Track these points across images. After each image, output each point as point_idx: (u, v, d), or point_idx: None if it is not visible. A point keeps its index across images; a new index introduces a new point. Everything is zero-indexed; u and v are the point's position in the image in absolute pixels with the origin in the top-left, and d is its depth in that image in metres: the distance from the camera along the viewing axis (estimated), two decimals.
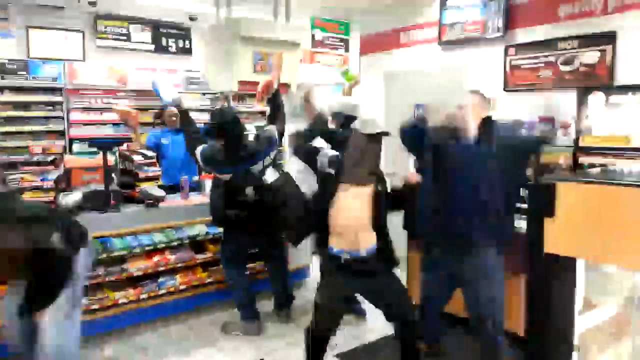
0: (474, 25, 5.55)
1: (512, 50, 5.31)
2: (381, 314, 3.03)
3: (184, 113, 3.98)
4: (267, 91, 4.15)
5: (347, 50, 7.07)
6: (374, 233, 2.81)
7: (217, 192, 3.80)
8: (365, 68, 6.98)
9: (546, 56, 4.98)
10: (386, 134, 2.88)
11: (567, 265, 1.26)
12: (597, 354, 1.35)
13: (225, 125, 3.62)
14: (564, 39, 4.80)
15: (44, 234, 2.49)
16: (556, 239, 1.20)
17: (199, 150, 3.70)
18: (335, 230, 2.83)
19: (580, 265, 1.21)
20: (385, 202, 2.98)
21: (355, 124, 3.01)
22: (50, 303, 2.60)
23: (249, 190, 3.71)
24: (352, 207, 2.81)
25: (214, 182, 3.92)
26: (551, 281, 1.25)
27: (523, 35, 5.22)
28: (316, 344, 2.99)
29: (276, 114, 4.06)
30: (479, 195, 2.90)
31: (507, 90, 5.36)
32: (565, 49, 4.82)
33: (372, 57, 6.91)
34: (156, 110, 5.67)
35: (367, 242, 2.79)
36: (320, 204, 2.97)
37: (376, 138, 2.87)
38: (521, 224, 3.22)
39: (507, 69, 5.34)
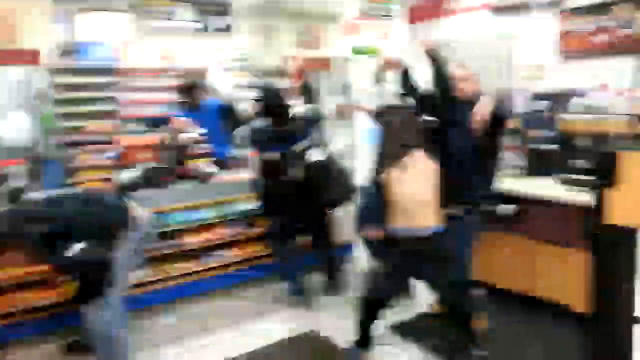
0: None
1: (565, 15, 5.09)
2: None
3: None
4: (301, 75, 4.21)
5: (391, 20, 6.92)
6: (438, 211, 2.78)
7: (261, 171, 3.87)
8: (412, 38, 6.83)
9: (601, 20, 4.75)
10: (400, 107, 2.85)
11: (628, 236, 1.23)
12: None
13: (271, 103, 3.67)
14: (621, 2, 4.56)
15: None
16: (617, 209, 1.17)
17: (244, 129, 3.76)
18: (397, 207, 2.81)
19: None
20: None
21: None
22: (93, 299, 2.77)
23: (292, 170, 3.76)
24: (410, 184, 2.78)
25: (258, 160, 3.98)
26: (612, 254, 1.22)
27: None
28: (369, 311, 3.02)
29: (307, 94, 4.08)
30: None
31: (559, 57, 5.16)
32: (622, 13, 4.57)
33: (419, 26, 6.76)
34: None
35: (431, 220, 2.77)
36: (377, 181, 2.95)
37: (396, 112, 2.85)
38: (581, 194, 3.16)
39: (560, 35, 5.13)
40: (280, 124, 3.71)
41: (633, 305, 1.21)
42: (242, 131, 3.73)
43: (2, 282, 3.23)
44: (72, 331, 3.26)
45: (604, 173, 1.16)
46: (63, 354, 3.26)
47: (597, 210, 1.19)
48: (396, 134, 2.86)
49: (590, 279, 1.26)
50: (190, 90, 4.79)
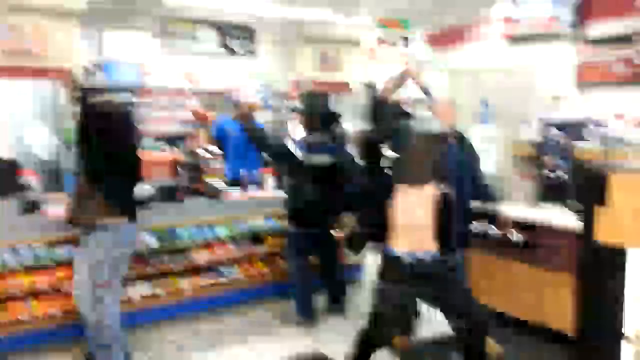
0: (543, 20, 5.35)
1: (584, 45, 5.07)
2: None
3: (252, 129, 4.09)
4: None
5: (407, 46, 7.01)
6: (436, 236, 2.75)
7: (292, 185, 3.93)
8: (428, 65, 6.88)
9: (621, 51, 4.72)
10: (444, 137, 2.82)
11: (617, 256, 1.22)
12: None
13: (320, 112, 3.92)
14: None
15: None
16: (607, 228, 1.16)
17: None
18: (395, 230, 2.79)
19: (633, 257, 1.16)
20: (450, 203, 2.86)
21: (413, 123, 2.96)
22: None
23: (314, 188, 3.82)
24: (413, 208, 2.76)
25: (288, 175, 4.02)
26: (601, 272, 1.20)
27: (595, 30, 4.97)
28: (366, 346, 2.96)
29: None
30: None
31: (578, 88, 5.13)
32: None
33: (435, 54, 6.81)
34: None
35: (430, 244, 2.74)
36: (379, 203, 2.94)
37: (436, 138, 2.83)
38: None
39: (579, 65, 5.11)
40: (326, 133, 3.89)
41: (621, 323, 1.19)
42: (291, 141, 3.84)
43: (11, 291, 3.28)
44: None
45: (594, 193, 1.15)
46: None
47: (586, 231, 1.18)
48: (416, 159, 2.84)
49: (577, 299, 1.24)
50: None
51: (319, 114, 3.98)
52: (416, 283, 2.77)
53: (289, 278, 4.10)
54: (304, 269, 4.04)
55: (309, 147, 3.86)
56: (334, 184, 3.86)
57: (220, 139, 4.96)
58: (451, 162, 3.12)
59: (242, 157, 4.85)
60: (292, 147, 3.87)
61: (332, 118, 4.05)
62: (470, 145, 3.37)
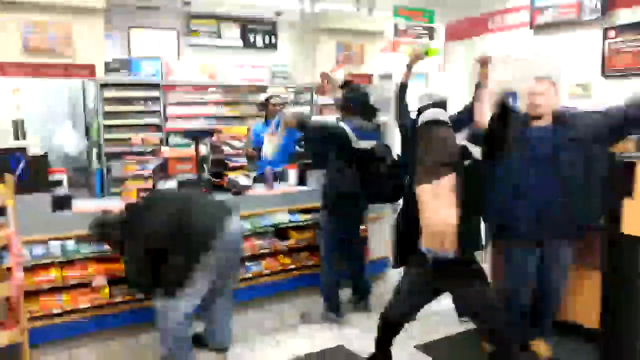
0: (568, 7, 5.24)
1: (611, 33, 4.95)
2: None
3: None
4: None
5: (431, 38, 6.93)
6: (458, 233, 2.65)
7: (334, 175, 3.96)
8: (451, 56, 6.81)
9: None
10: (444, 122, 2.76)
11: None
12: None
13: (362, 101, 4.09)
14: None
15: None
16: (634, 220, 1.13)
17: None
18: (423, 229, 2.74)
19: None
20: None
21: (420, 118, 2.89)
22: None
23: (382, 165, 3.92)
24: (433, 205, 2.65)
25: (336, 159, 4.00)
26: (627, 263, 1.18)
27: (624, 16, 4.85)
28: (387, 328, 2.98)
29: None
30: (560, 181, 3.01)
31: (605, 76, 5.01)
32: None
33: (458, 44, 6.73)
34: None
35: (453, 242, 2.65)
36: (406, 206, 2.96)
37: (440, 126, 2.75)
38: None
39: (606, 52, 4.99)
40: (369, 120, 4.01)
41: None
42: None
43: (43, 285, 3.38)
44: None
45: (621, 183, 1.12)
46: None
47: (612, 223, 1.15)
48: (436, 149, 2.72)
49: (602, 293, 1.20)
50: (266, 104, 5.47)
51: (362, 103, 4.07)
52: (434, 277, 2.79)
53: (320, 272, 4.11)
54: (333, 264, 4.05)
55: (359, 130, 3.89)
56: (375, 173, 3.90)
57: (258, 142, 4.95)
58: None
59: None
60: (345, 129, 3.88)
61: (372, 110, 4.16)
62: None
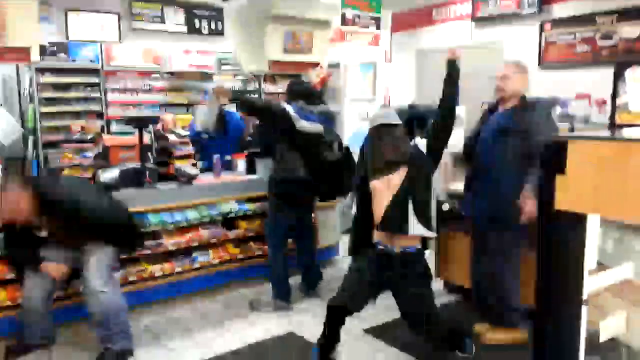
0: (509, 0, 5.43)
1: (548, 26, 5.18)
2: None
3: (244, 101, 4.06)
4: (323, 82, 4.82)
5: (378, 28, 7.00)
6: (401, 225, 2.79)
7: (282, 164, 3.93)
8: (397, 46, 6.92)
9: (583, 31, 4.84)
10: (394, 125, 2.87)
11: (577, 223, 1.30)
12: (608, 312, 1.33)
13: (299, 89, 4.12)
14: (603, 13, 4.65)
15: None
16: (567, 196, 1.21)
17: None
18: (376, 223, 2.88)
19: (591, 224, 1.22)
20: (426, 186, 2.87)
21: (371, 120, 3.00)
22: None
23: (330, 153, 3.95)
24: (381, 199, 2.83)
25: (280, 142, 3.96)
26: (559, 237, 1.26)
27: (559, 10, 5.08)
28: (334, 316, 3.00)
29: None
30: (491, 166, 3.13)
31: (542, 67, 5.24)
32: (603, 24, 4.67)
33: (404, 34, 6.84)
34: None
35: (403, 240, 2.82)
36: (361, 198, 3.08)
37: (390, 127, 2.87)
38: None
39: (543, 45, 5.22)
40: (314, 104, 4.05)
41: (582, 288, 1.26)
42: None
43: None
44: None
45: (554, 161, 1.20)
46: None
47: (546, 200, 1.23)
48: (386, 148, 2.86)
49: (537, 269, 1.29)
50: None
51: (305, 89, 4.13)
52: (379, 270, 2.89)
53: (268, 261, 4.09)
54: (282, 251, 4.05)
55: (302, 111, 3.87)
56: (322, 160, 3.91)
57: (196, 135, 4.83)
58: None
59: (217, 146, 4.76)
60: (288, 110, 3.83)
61: (318, 95, 4.33)
62: None
